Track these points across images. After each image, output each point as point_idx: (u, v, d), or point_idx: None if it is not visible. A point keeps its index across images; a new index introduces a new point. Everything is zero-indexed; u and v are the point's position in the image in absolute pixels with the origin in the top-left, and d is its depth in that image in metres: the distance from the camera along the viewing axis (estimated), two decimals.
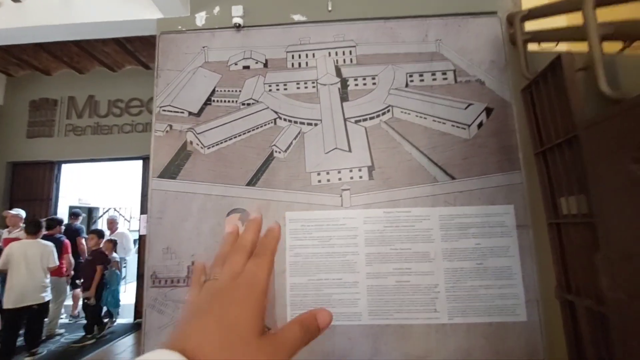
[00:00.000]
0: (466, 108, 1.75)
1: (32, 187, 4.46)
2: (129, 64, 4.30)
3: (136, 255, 4.63)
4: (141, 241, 3.77)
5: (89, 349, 3.40)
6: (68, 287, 4.06)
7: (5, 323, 3.02)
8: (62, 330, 3.84)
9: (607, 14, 1.11)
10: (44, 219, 3.56)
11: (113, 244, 4.00)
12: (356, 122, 1.78)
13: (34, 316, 3.14)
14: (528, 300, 1.56)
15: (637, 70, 1.26)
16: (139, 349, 2.95)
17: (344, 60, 1.86)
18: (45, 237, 3.38)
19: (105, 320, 3.89)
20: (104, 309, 3.90)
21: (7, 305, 2.96)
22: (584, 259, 1.16)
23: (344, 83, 1.83)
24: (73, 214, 4.63)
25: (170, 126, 1.86)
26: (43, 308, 3.22)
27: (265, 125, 1.82)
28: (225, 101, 1.87)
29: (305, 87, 1.85)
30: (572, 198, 1.20)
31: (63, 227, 4.01)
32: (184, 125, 1.86)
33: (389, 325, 1.60)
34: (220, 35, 1.94)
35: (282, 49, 1.90)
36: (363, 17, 1.88)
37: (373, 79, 1.82)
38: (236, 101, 1.86)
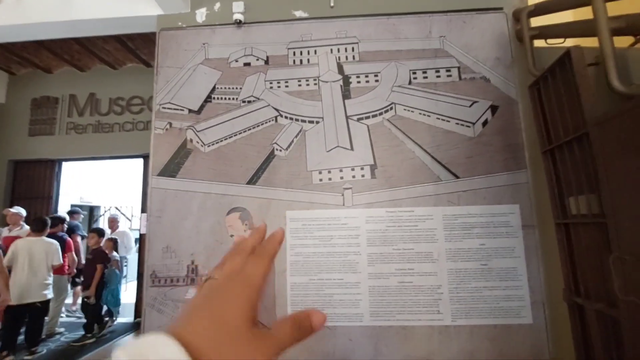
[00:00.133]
0: (471, 106, 1.71)
1: (34, 185, 4.45)
2: (130, 61, 4.28)
3: (137, 254, 4.62)
4: (141, 240, 3.76)
5: (89, 348, 3.38)
6: (69, 285, 4.05)
7: (7, 320, 3.01)
8: (62, 329, 3.83)
9: (617, 8, 1.07)
10: (49, 217, 3.56)
11: (113, 242, 3.98)
12: (358, 119, 1.75)
13: (35, 314, 3.14)
14: (534, 302, 1.53)
15: None
16: None
17: (346, 57, 1.83)
18: (48, 235, 3.37)
19: (106, 319, 3.88)
20: (104, 308, 3.88)
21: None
22: (594, 260, 1.13)
23: (346, 80, 1.80)
24: (71, 211, 4.62)
25: (170, 124, 1.84)
26: (45, 306, 3.21)
27: (266, 122, 1.79)
28: (225, 98, 1.84)
29: (307, 85, 1.82)
30: (582, 197, 1.17)
31: (66, 226, 4.01)
32: (184, 122, 1.83)
33: (391, 326, 1.57)
34: (220, 31, 1.92)
35: (283, 46, 1.87)
36: (365, 13, 1.85)
37: (376, 76, 1.79)
38: (237, 98, 1.84)
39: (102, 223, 7.16)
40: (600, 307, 1.06)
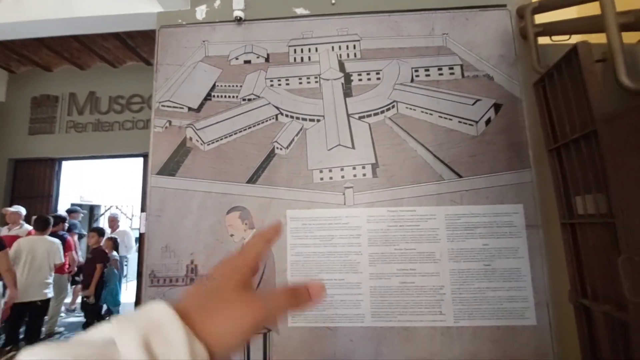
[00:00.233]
0: (474, 104, 1.69)
1: (33, 184, 4.44)
2: (130, 59, 4.26)
3: (137, 254, 4.60)
4: (141, 239, 3.74)
5: None
6: (68, 284, 4.04)
7: (8, 317, 3.01)
8: (61, 329, 3.82)
9: (625, 3, 1.05)
10: (51, 216, 3.56)
11: (112, 242, 3.97)
12: (360, 118, 1.73)
13: (36, 313, 3.14)
14: (538, 303, 1.51)
15: None
16: None
17: (348, 55, 1.81)
18: (49, 234, 3.38)
19: (106, 319, 3.87)
20: (104, 307, 3.87)
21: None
22: (601, 261, 1.10)
23: (347, 78, 1.78)
24: (70, 210, 4.60)
25: (170, 122, 1.82)
26: (45, 305, 3.21)
27: (266, 121, 1.77)
28: (225, 96, 1.82)
29: (308, 82, 1.80)
30: (589, 197, 1.14)
31: (67, 225, 4.00)
32: (184, 121, 1.81)
33: (392, 327, 1.55)
34: (221, 29, 1.90)
35: (284, 43, 1.85)
36: (367, 10, 1.82)
37: (377, 73, 1.77)
38: (237, 96, 1.81)
39: (103, 222, 7.15)
40: (608, 309, 1.04)
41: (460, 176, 1.64)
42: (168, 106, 1.83)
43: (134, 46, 3.89)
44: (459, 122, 1.68)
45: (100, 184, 7.38)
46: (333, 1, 1.84)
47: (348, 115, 1.74)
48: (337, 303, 1.58)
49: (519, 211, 1.59)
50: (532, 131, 1.62)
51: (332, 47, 1.82)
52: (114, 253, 3.96)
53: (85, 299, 3.66)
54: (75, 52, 4.05)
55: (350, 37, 1.82)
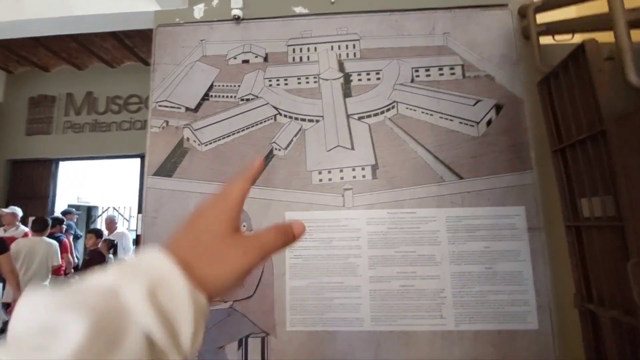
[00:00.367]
0: (475, 104, 1.67)
1: (30, 185, 4.41)
2: (127, 60, 4.24)
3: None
4: (138, 241, 3.72)
5: None
6: None
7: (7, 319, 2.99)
8: None
9: None
10: (50, 218, 3.55)
11: (107, 243, 3.93)
12: (359, 118, 1.71)
13: None
14: (540, 307, 1.48)
15: None
16: None
17: (347, 55, 1.78)
18: (47, 236, 3.37)
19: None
20: None
21: (7, 299, 2.95)
22: (608, 265, 1.08)
23: (347, 78, 1.76)
24: (65, 211, 4.56)
25: (167, 122, 1.80)
26: None
27: (264, 121, 1.75)
28: (223, 96, 1.80)
29: (307, 82, 1.77)
30: (595, 199, 1.12)
31: (64, 227, 3.97)
32: (181, 121, 1.79)
33: (392, 331, 1.52)
34: (218, 28, 1.87)
35: (282, 43, 1.82)
36: (367, 9, 1.80)
37: (377, 73, 1.75)
38: (235, 96, 1.79)
39: (100, 223, 7.11)
40: (616, 315, 1.02)
41: (461, 178, 1.61)
42: (165, 106, 1.81)
43: (131, 46, 3.87)
44: (460, 122, 1.66)
45: (98, 185, 7.34)
46: (332, 0, 1.82)
47: (347, 116, 1.72)
48: (336, 306, 1.55)
49: (520, 213, 1.56)
50: (534, 132, 1.59)
51: (332, 47, 1.80)
52: (110, 256, 3.93)
53: None
54: (73, 52, 4.03)
55: (350, 37, 1.79)
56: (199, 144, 1.74)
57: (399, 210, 1.61)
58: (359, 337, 1.52)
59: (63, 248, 3.66)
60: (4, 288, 3.12)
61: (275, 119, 1.74)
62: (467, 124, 1.65)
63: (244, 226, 1.65)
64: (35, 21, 2.16)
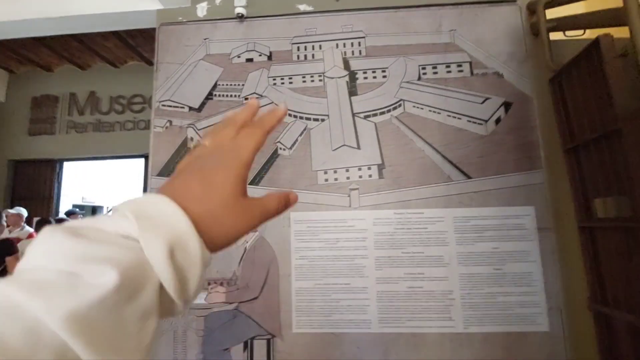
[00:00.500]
0: (483, 102, 1.64)
1: (34, 185, 4.41)
2: (131, 59, 4.23)
3: None
4: None
5: None
6: None
7: None
8: None
9: None
10: (54, 219, 3.53)
11: None
12: (365, 117, 1.68)
13: None
14: (550, 308, 1.45)
15: None
16: None
17: (353, 52, 1.76)
18: None
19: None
20: None
21: None
22: (624, 267, 1.05)
23: (352, 76, 1.73)
24: (69, 212, 4.57)
25: (170, 122, 1.78)
26: None
27: None
28: (227, 95, 1.78)
29: (312, 81, 1.75)
30: (610, 199, 1.09)
31: None
32: (184, 120, 1.77)
33: (400, 333, 1.50)
34: (222, 26, 1.85)
35: (287, 41, 1.80)
36: (372, 6, 1.77)
37: (383, 71, 1.72)
38: (239, 95, 1.77)
39: None
40: (633, 319, 0.99)
41: (469, 177, 1.58)
42: (168, 106, 1.79)
43: (134, 45, 3.85)
44: (468, 121, 1.63)
45: (102, 185, 7.36)
46: None
47: (353, 115, 1.69)
48: (343, 308, 1.53)
49: (530, 213, 1.53)
50: (544, 131, 1.56)
51: (337, 45, 1.77)
52: None
53: None
54: (75, 51, 4.02)
55: (355, 34, 1.77)
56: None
57: (405, 210, 1.59)
58: (367, 339, 1.50)
59: None
60: None
61: None
62: (475, 122, 1.62)
63: None
64: (36, 21, 2.15)
